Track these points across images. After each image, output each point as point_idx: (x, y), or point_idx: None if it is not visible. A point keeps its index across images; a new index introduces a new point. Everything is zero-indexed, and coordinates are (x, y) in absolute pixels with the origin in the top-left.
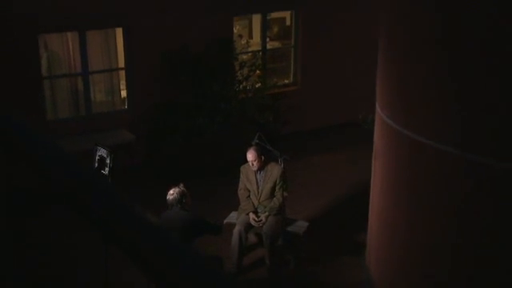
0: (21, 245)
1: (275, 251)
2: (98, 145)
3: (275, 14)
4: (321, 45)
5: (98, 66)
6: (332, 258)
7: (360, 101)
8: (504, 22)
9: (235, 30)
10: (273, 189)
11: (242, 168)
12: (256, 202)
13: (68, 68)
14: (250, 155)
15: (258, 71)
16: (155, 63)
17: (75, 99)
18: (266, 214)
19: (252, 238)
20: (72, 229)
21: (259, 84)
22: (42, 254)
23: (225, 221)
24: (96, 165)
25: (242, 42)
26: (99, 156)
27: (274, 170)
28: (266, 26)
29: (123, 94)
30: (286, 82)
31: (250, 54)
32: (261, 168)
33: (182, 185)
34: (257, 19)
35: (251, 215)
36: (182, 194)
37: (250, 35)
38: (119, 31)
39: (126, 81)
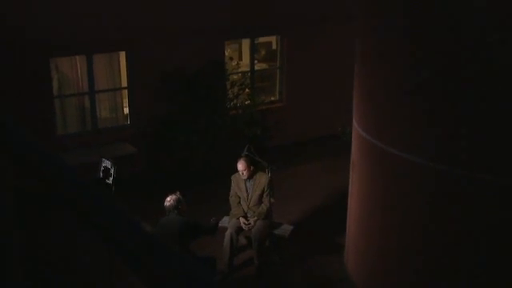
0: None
1: (263, 252)
2: (102, 157)
3: (262, 39)
4: (303, 66)
5: (104, 85)
6: (314, 258)
7: (339, 115)
8: (470, 37)
9: (226, 53)
10: (261, 196)
11: (233, 177)
12: (246, 208)
13: (76, 88)
14: (241, 165)
15: (247, 90)
16: (155, 83)
17: (82, 116)
18: (255, 218)
19: (242, 240)
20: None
21: (248, 101)
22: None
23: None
24: (101, 175)
25: (233, 64)
26: (104, 167)
27: (262, 179)
28: (254, 50)
29: (126, 110)
30: (273, 99)
31: (239, 75)
32: (250, 177)
33: (178, 192)
34: (246, 43)
35: (241, 219)
36: (178, 201)
37: (239, 57)
38: (122, 54)
39: (129, 99)
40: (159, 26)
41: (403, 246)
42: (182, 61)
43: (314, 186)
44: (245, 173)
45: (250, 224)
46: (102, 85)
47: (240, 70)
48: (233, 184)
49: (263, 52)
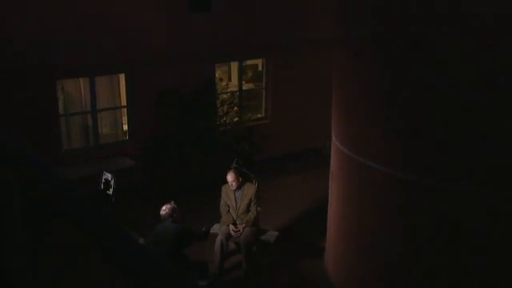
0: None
1: (251, 256)
2: (104, 170)
3: (249, 62)
4: (286, 86)
5: (105, 104)
6: (297, 261)
7: (320, 131)
8: (439, 57)
9: (217, 75)
10: (248, 205)
11: (223, 188)
12: (235, 216)
13: (80, 107)
14: (230, 177)
15: (235, 108)
16: (151, 102)
17: (85, 132)
18: (243, 225)
19: (232, 245)
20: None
21: (237, 118)
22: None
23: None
24: (102, 186)
25: (223, 84)
26: (105, 179)
27: (250, 189)
28: (242, 71)
29: (125, 127)
30: (259, 116)
31: (229, 94)
32: (238, 187)
33: (172, 202)
34: (234, 66)
35: (231, 227)
36: (172, 210)
37: (229, 78)
38: (122, 76)
39: (128, 116)
40: (156, 50)
41: (378, 249)
42: (177, 82)
43: (296, 196)
44: (234, 184)
45: (238, 231)
46: (103, 104)
47: (229, 89)
48: (223, 194)
49: (250, 73)
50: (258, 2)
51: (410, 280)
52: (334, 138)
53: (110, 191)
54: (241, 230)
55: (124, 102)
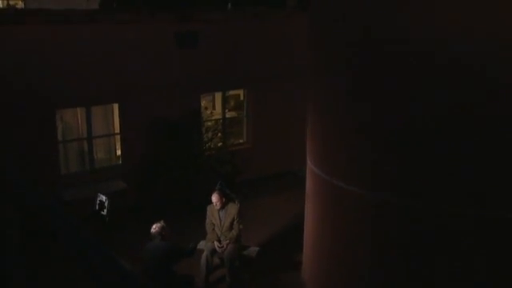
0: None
1: (234, 270)
2: (98, 192)
3: (232, 92)
4: (265, 114)
5: (100, 131)
6: (277, 274)
7: (296, 154)
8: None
9: (202, 104)
10: (231, 223)
11: (208, 207)
12: (219, 233)
13: (77, 134)
14: (214, 197)
15: (219, 134)
16: (143, 129)
17: (82, 157)
18: (227, 242)
19: (216, 260)
20: None
21: (220, 143)
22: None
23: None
24: (97, 207)
25: (208, 113)
26: (99, 201)
27: (232, 209)
28: (225, 101)
29: (118, 152)
30: (241, 141)
31: (213, 121)
32: (222, 207)
33: (162, 221)
34: (218, 96)
35: (215, 243)
36: (162, 228)
37: (213, 107)
38: (116, 106)
39: (121, 142)
40: (147, 82)
41: (351, 262)
42: (166, 110)
43: (276, 214)
44: (218, 204)
45: (222, 247)
46: (98, 131)
47: (213, 117)
48: (208, 213)
49: (232, 103)
50: (238, 41)
51: None
52: (308, 160)
53: (105, 212)
54: (225, 246)
55: (117, 129)
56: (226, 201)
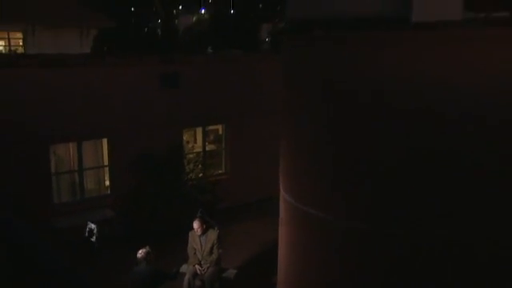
0: None
1: None
2: (88, 220)
3: (211, 127)
4: (242, 146)
5: (90, 164)
6: None
7: (271, 183)
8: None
9: (184, 138)
10: (212, 248)
11: (190, 233)
12: (200, 257)
13: (69, 166)
14: (196, 224)
15: (200, 166)
16: (130, 161)
17: (73, 188)
18: (207, 265)
19: (198, 282)
20: None
21: (201, 174)
22: None
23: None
24: (87, 234)
25: (189, 146)
26: (89, 228)
27: (212, 235)
28: (205, 135)
29: (107, 183)
30: (220, 172)
31: (194, 154)
32: (203, 233)
33: (147, 247)
34: (199, 130)
35: (197, 267)
36: (147, 253)
37: (194, 141)
38: (105, 141)
39: (109, 174)
40: (133, 118)
41: (320, 285)
42: (151, 144)
43: (252, 239)
44: (199, 230)
45: (203, 270)
46: (88, 164)
47: (195, 150)
48: (190, 238)
49: (212, 137)
50: (217, 81)
51: None
52: (281, 188)
53: (94, 239)
54: (205, 269)
55: (106, 162)
56: (206, 227)
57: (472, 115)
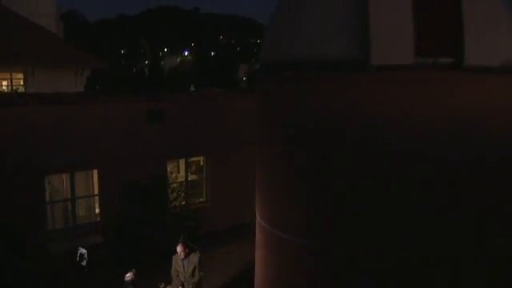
0: None
1: None
2: (79, 245)
3: (193, 158)
4: (221, 176)
5: (81, 193)
6: None
7: (248, 210)
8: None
9: (168, 169)
10: (193, 270)
11: (173, 257)
12: (183, 279)
13: (62, 195)
14: (179, 248)
15: (182, 194)
16: (118, 190)
17: (66, 215)
18: (190, 286)
19: None
20: None
21: (184, 202)
22: None
23: None
24: (78, 258)
25: (173, 176)
26: (80, 253)
27: (194, 258)
28: (187, 166)
29: (97, 210)
30: (201, 200)
31: (177, 183)
32: (185, 256)
33: (134, 270)
34: (182, 162)
35: None
36: (133, 276)
37: (178, 171)
38: (95, 172)
39: (99, 202)
40: (122, 151)
41: None
42: (138, 174)
43: (231, 262)
44: (182, 254)
45: None
46: (80, 193)
47: (178, 180)
48: (173, 262)
49: (194, 167)
50: (199, 116)
51: None
52: (257, 214)
53: (84, 263)
54: None
55: (96, 191)
56: (188, 251)
57: (420, 145)
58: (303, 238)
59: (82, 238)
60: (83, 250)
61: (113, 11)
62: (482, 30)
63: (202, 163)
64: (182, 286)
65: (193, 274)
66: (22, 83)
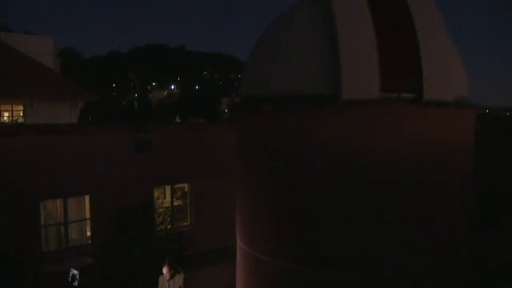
0: None
1: None
2: (71, 266)
3: (179, 185)
4: (205, 202)
5: (74, 217)
6: None
7: (229, 233)
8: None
9: (155, 194)
10: None
11: (160, 277)
12: None
13: (56, 219)
14: (165, 269)
15: (168, 218)
16: (108, 215)
17: (59, 238)
18: None
19: None
20: None
21: (169, 226)
22: None
23: None
24: (70, 279)
25: (159, 202)
26: (72, 274)
27: (179, 278)
28: (173, 192)
29: (88, 233)
30: (185, 224)
31: (164, 208)
32: (171, 277)
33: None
34: (168, 188)
35: None
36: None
37: (164, 197)
38: (87, 197)
39: (91, 226)
40: (112, 178)
41: None
42: (126, 200)
43: (214, 281)
44: (168, 274)
45: None
46: (73, 217)
47: (164, 205)
48: (160, 282)
49: (179, 193)
50: (184, 146)
51: None
52: (237, 237)
53: (76, 283)
54: None
55: (88, 215)
56: (174, 272)
57: (385, 173)
58: (278, 258)
59: (74, 260)
60: (75, 271)
61: (106, 48)
62: (438, 69)
63: (186, 189)
64: None
65: None
66: (21, 114)
